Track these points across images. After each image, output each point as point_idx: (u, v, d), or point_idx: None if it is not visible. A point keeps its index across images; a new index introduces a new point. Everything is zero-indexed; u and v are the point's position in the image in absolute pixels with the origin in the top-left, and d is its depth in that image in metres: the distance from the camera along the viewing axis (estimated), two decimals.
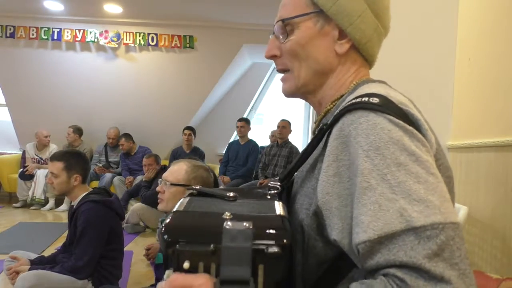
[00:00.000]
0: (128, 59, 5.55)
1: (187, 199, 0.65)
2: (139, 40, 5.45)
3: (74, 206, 2.08)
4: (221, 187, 3.31)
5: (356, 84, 0.70)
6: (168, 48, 5.47)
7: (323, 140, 0.63)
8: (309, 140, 0.67)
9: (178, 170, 1.74)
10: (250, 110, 6.50)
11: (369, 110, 0.55)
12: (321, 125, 0.69)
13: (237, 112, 6.03)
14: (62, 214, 4.85)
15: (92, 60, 5.54)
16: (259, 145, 5.44)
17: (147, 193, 4.17)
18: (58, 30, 5.42)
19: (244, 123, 5.31)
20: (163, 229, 0.54)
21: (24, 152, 5.43)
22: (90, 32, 5.44)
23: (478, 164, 1.89)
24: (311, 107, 6.19)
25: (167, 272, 0.54)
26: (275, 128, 5.03)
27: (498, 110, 1.77)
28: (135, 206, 4.15)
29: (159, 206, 1.73)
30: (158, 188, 1.75)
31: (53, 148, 5.41)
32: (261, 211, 0.59)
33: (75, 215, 2.03)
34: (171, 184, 1.70)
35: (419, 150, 0.52)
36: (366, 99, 0.57)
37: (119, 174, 5.26)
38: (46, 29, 5.41)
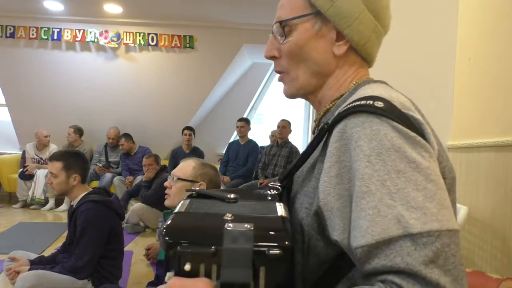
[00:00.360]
0: (128, 59, 5.55)
1: (188, 200, 0.65)
2: (139, 40, 5.45)
3: (74, 206, 2.08)
4: (221, 187, 3.31)
5: (356, 84, 0.70)
6: (168, 48, 5.48)
7: (324, 139, 0.63)
8: (309, 140, 0.67)
9: (186, 166, 1.78)
10: (250, 110, 6.50)
11: (374, 114, 0.55)
12: (321, 124, 0.69)
13: (237, 112, 6.03)
14: (62, 214, 4.85)
15: (92, 60, 5.54)
16: (259, 145, 5.44)
17: (147, 193, 4.17)
18: (58, 30, 5.42)
19: (244, 123, 5.31)
20: (164, 230, 0.54)
21: (24, 152, 5.43)
22: (90, 32, 5.44)
23: (478, 164, 1.89)
24: (311, 107, 6.20)
25: (168, 274, 0.54)
26: (275, 128, 5.03)
27: (498, 110, 1.77)
28: (135, 206, 4.15)
29: (166, 202, 1.75)
30: (166, 183, 1.78)
31: (53, 148, 5.42)
32: (262, 212, 0.59)
33: (74, 215, 2.03)
34: (178, 179, 1.73)
35: (420, 157, 0.52)
36: (371, 102, 0.56)
37: (119, 174, 5.26)
38: (46, 29, 5.41)
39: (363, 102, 0.57)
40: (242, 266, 0.49)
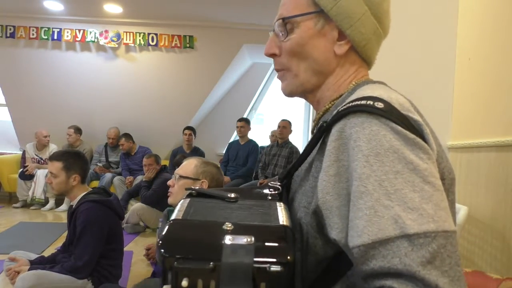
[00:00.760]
0: (128, 59, 5.55)
1: (187, 201, 0.64)
2: (139, 40, 5.45)
3: (74, 206, 2.08)
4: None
5: (356, 84, 0.70)
6: (168, 48, 5.47)
7: (322, 138, 0.63)
8: (309, 140, 0.67)
9: (188, 165, 1.79)
10: (250, 110, 6.50)
11: (373, 115, 0.55)
12: (320, 122, 0.69)
13: (237, 112, 6.03)
14: (62, 214, 4.85)
15: (92, 60, 5.54)
16: (259, 145, 5.44)
17: (147, 193, 4.18)
18: (58, 30, 5.42)
19: (244, 123, 5.31)
20: (159, 242, 0.52)
21: (24, 152, 5.43)
22: (90, 32, 5.44)
23: (478, 164, 1.89)
24: (311, 107, 6.18)
25: (164, 287, 0.52)
26: (275, 128, 5.03)
27: (498, 110, 1.77)
28: (135, 206, 4.15)
29: (169, 200, 1.76)
30: (169, 182, 1.80)
31: (53, 148, 5.42)
32: (264, 219, 0.57)
33: (74, 215, 2.03)
34: (180, 177, 1.75)
35: (418, 159, 0.52)
36: (371, 102, 0.56)
37: (119, 174, 5.26)
38: (46, 29, 5.41)
39: (363, 102, 0.57)
40: (241, 282, 0.47)
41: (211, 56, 5.46)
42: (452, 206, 0.62)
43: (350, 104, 0.58)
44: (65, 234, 2.36)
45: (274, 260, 0.49)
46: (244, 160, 5.20)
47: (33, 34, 5.40)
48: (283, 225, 0.56)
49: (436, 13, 2.21)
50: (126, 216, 3.98)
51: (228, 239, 0.50)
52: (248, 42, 5.35)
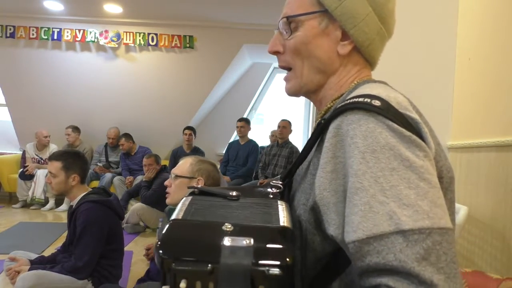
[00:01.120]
0: (128, 59, 5.55)
1: (189, 199, 0.64)
2: (139, 40, 5.45)
3: (74, 206, 2.08)
4: (221, 184, 3.31)
5: (357, 83, 0.71)
6: (168, 48, 5.47)
7: (320, 135, 0.64)
8: (309, 138, 0.67)
9: (184, 164, 1.80)
10: (250, 110, 6.50)
11: (370, 112, 0.55)
12: (319, 119, 0.69)
13: (237, 112, 6.03)
14: (62, 214, 4.85)
15: (92, 60, 5.54)
16: (259, 145, 5.44)
17: (147, 193, 4.18)
18: (58, 30, 5.42)
19: (244, 123, 5.31)
20: (158, 243, 0.52)
21: (24, 152, 5.43)
22: (90, 32, 5.44)
23: (478, 164, 1.89)
24: (311, 107, 6.18)
25: None
26: (275, 128, 5.03)
27: (498, 110, 1.77)
28: (135, 206, 4.15)
29: (167, 200, 1.77)
30: (166, 182, 1.80)
31: (53, 148, 5.42)
32: (264, 219, 0.57)
33: (74, 215, 2.03)
34: (176, 176, 1.75)
35: (414, 156, 0.53)
36: (368, 100, 0.57)
37: (119, 174, 5.26)
38: (46, 29, 5.41)
39: (360, 99, 0.58)
40: (240, 285, 0.47)
41: (211, 56, 5.46)
42: (451, 205, 0.62)
43: (348, 101, 0.59)
44: (65, 234, 2.36)
45: (273, 263, 0.49)
46: (244, 160, 5.20)
47: (33, 34, 5.40)
48: (283, 226, 0.55)
49: (436, 13, 2.21)
50: (126, 216, 3.98)
51: (227, 241, 0.50)
52: (248, 42, 5.35)
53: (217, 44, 5.41)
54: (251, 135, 5.47)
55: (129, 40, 5.47)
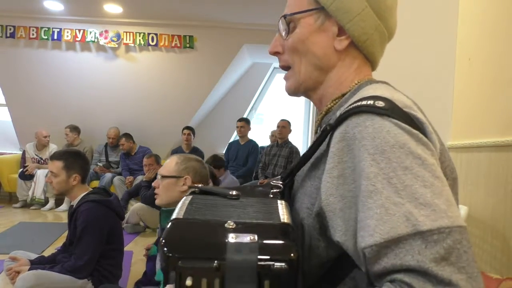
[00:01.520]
0: (128, 59, 5.55)
1: (189, 198, 0.64)
2: (139, 40, 5.45)
3: (74, 206, 2.08)
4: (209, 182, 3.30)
5: (358, 83, 0.70)
6: (168, 48, 5.48)
7: (326, 140, 0.63)
8: (310, 140, 0.67)
9: (169, 163, 1.78)
10: (250, 110, 6.50)
11: (375, 113, 0.55)
12: (324, 125, 0.69)
13: (237, 112, 6.03)
14: (62, 214, 4.85)
15: (92, 60, 5.54)
16: (259, 145, 5.44)
17: (147, 193, 4.17)
18: (58, 30, 5.42)
19: (244, 123, 5.31)
20: (162, 241, 0.52)
21: (24, 152, 5.43)
22: (90, 32, 5.44)
23: (478, 164, 1.89)
24: (311, 107, 6.17)
25: (167, 287, 0.52)
26: (275, 128, 5.03)
27: (498, 110, 1.77)
28: (135, 206, 4.15)
29: (156, 201, 1.75)
30: (154, 184, 1.79)
31: (53, 148, 5.42)
32: (266, 217, 0.57)
33: (74, 215, 2.03)
34: (162, 177, 1.74)
35: (425, 154, 0.52)
36: (371, 102, 0.56)
37: (119, 174, 5.26)
38: (46, 29, 5.41)
39: (364, 102, 0.57)
40: (246, 281, 0.48)
41: (211, 56, 5.46)
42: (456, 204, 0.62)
43: (352, 106, 0.58)
44: (65, 234, 2.36)
45: (279, 257, 0.49)
46: (244, 160, 5.20)
47: (33, 34, 5.40)
48: (285, 223, 0.56)
49: (436, 13, 2.21)
50: (126, 216, 3.98)
51: (231, 238, 0.50)
52: (248, 42, 5.35)
53: (217, 44, 5.41)
54: (251, 135, 5.47)
55: (129, 40, 5.47)
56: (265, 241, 0.51)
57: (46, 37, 5.42)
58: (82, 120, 5.65)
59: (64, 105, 5.65)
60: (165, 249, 0.51)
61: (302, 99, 6.56)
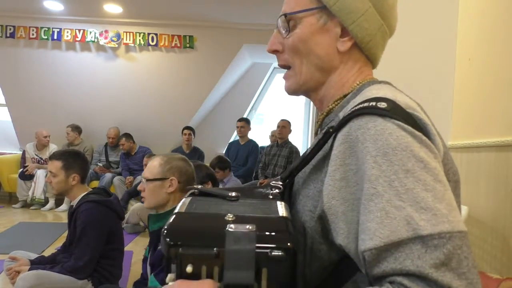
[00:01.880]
0: (128, 59, 5.55)
1: (189, 199, 0.64)
2: (139, 40, 5.45)
3: (74, 206, 2.08)
4: (220, 186, 3.30)
5: (360, 84, 0.69)
6: (168, 48, 5.47)
7: (329, 142, 0.62)
8: (310, 140, 0.67)
9: (153, 166, 1.74)
10: (250, 110, 6.50)
11: (377, 115, 0.54)
12: (324, 126, 0.68)
13: (237, 112, 6.03)
14: (62, 214, 4.85)
15: (92, 60, 5.54)
16: (259, 145, 5.45)
17: None
18: (58, 30, 5.42)
19: (244, 123, 5.31)
20: (165, 231, 0.53)
21: (24, 152, 5.43)
22: (90, 32, 5.44)
23: (478, 164, 1.89)
24: (311, 107, 6.15)
25: (169, 275, 0.53)
26: (275, 128, 5.03)
27: (498, 110, 1.77)
28: (135, 206, 4.15)
29: (144, 205, 1.73)
30: (139, 187, 1.75)
31: (53, 148, 5.42)
32: (264, 213, 0.58)
33: (74, 215, 2.03)
34: (147, 181, 1.71)
35: (427, 157, 0.51)
36: (374, 103, 0.56)
37: (119, 174, 5.26)
38: (46, 29, 5.41)
39: (366, 104, 0.57)
40: (244, 267, 0.49)
41: (211, 56, 5.46)
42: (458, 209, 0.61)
43: (355, 108, 0.58)
44: (65, 234, 2.36)
45: (276, 245, 0.51)
46: (244, 160, 5.21)
47: (33, 34, 5.40)
48: (283, 217, 0.57)
49: (436, 13, 2.20)
50: (126, 216, 3.98)
51: (230, 227, 0.52)
52: (248, 42, 5.35)
53: (217, 44, 5.41)
54: (251, 135, 5.47)
55: (129, 40, 5.46)
56: (263, 231, 0.52)
57: (46, 37, 5.42)
58: (82, 120, 5.65)
59: (64, 105, 5.65)
60: (167, 238, 0.52)
61: (302, 99, 6.57)
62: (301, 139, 6.37)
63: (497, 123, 1.77)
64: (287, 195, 0.70)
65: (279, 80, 6.48)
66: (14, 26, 5.39)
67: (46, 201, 5.14)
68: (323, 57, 0.69)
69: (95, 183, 5.10)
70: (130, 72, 5.56)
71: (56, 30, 5.42)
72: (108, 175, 5.12)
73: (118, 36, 5.45)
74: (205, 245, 0.51)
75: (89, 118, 5.72)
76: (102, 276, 2.01)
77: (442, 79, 2.20)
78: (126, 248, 2.41)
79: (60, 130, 5.47)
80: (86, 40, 5.45)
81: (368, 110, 0.55)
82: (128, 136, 5.36)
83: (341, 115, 0.62)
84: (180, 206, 0.61)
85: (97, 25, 5.43)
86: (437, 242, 0.45)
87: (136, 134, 5.48)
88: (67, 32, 5.44)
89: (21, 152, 5.54)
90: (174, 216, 0.57)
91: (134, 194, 4.65)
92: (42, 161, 5.37)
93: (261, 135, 6.19)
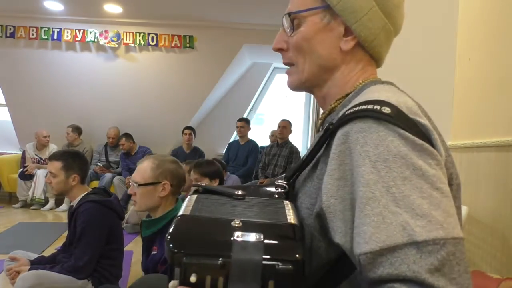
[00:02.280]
0: (128, 59, 5.55)
1: (194, 197, 0.63)
2: (139, 40, 5.45)
3: (74, 206, 2.08)
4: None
5: (363, 83, 0.70)
6: (168, 48, 5.47)
7: (328, 141, 0.63)
8: (310, 140, 0.67)
9: (144, 170, 1.71)
10: (250, 110, 6.50)
11: (381, 120, 0.54)
12: (327, 124, 0.68)
13: (237, 112, 6.03)
14: (62, 214, 4.85)
15: (92, 60, 5.54)
16: (259, 145, 5.45)
17: None
18: (58, 30, 5.42)
19: (244, 123, 5.31)
20: (168, 237, 0.52)
21: (24, 152, 5.43)
22: (90, 32, 5.44)
23: (478, 164, 1.89)
24: (312, 107, 6.14)
25: (172, 282, 0.52)
26: (275, 128, 5.04)
27: (498, 110, 1.77)
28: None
29: (135, 208, 1.70)
30: (129, 191, 1.72)
31: (53, 148, 5.42)
32: (272, 217, 0.57)
33: (74, 215, 2.03)
34: (139, 185, 1.68)
35: (426, 165, 0.52)
36: (378, 107, 0.56)
37: (119, 174, 5.26)
38: (46, 29, 5.41)
39: (370, 106, 0.56)
40: (250, 279, 0.47)
41: (211, 56, 5.46)
42: (458, 212, 0.61)
43: (357, 108, 0.58)
44: (65, 234, 2.36)
45: (284, 258, 0.49)
46: (244, 160, 5.21)
47: (33, 34, 5.40)
48: (291, 224, 0.56)
49: (436, 13, 2.21)
50: (126, 216, 3.98)
51: (237, 236, 0.50)
52: (248, 42, 5.35)
53: (217, 44, 5.41)
54: (251, 135, 5.47)
55: (129, 40, 5.46)
56: (271, 241, 0.50)
57: (46, 37, 5.42)
58: (82, 120, 5.65)
59: (64, 105, 5.65)
60: (171, 245, 0.51)
61: (302, 99, 6.57)
62: (301, 139, 6.37)
63: (497, 123, 1.77)
64: (292, 194, 0.71)
65: (279, 80, 6.48)
66: (14, 26, 5.39)
67: (46, 201, 5.14)
68: (326, 56, 0.70)
69: (95, 183, 5.10)
70: (130, 72, 5.56)
71: (56, 30, 5.42)
72: (108, 175, 5.12)
73: (118, 36, 5.45)
74: (210, 254, 0.50)
75: (89, 118, 5.72)
76: (102, 276, 2.01)
77: (442, 79, 2.20)
78: (126, 248, 2.41)
79: (60, 130, 5.47)
80: (86, 40, 5.45)
81: (371, 114, 0.55)
82: (128, 136, 5.36)
83: (342, 114, 0.62)
84: (186, 206, 0.60)
85: (97, 25, 5.42)
86: (432, 248, 0.46)
87: (136, 134, 5.48)
88: (67, 32, 5.44)
89: (21, 152, 5.53)
90: (178, 219, 0.55)
91: None
92: (42, 161, 5.37)
93: (261, 135, 6.19)
